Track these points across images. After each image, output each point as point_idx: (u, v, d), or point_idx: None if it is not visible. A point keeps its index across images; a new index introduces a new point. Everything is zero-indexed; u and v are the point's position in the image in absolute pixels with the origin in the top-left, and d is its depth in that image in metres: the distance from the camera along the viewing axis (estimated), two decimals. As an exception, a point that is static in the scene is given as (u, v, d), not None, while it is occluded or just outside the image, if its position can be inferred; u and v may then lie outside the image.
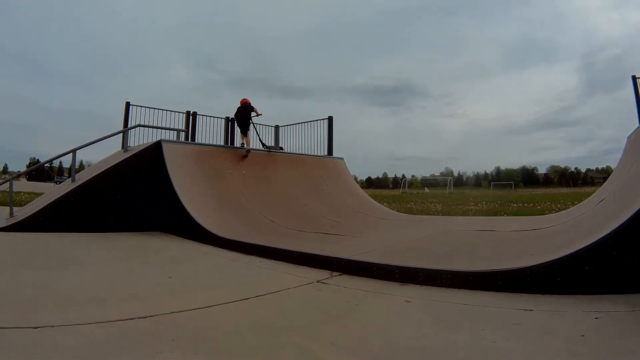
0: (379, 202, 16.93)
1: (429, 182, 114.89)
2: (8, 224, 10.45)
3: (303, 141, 17.12)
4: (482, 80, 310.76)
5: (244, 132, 14.80)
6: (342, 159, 17.29)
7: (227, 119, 16.77)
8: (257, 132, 15.19)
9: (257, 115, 14.83)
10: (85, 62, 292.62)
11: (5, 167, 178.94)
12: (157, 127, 13.81)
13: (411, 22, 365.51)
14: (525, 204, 21.85)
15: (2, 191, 21.34)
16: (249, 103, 15.00)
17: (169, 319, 3.97)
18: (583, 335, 3.34)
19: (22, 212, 11.59)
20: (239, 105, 15.04)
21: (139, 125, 13.47)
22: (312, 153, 16.84)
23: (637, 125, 10.68)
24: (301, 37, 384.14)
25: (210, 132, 16.16)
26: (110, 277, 5.89)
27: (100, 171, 11.44)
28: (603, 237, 4.43)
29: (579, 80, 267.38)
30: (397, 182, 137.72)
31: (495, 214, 16.82)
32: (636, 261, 4.34)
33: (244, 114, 14.78)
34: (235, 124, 15.66)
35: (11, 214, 11.47)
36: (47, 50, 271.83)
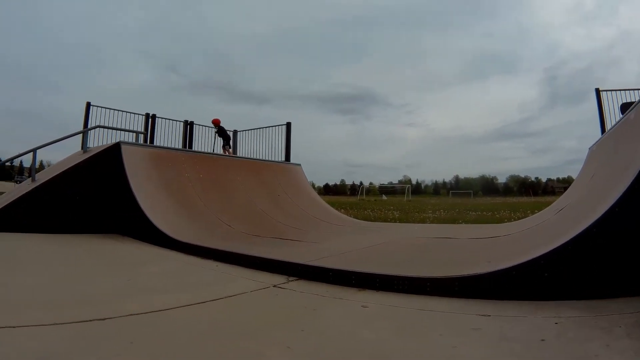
0: (337, 208, 17.10)
1: (387, 190, 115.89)
2: (-37, 223, 10.09)
3: (261, 147, 17.45)
4: (443, 90, 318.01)
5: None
6: (299, 165, 17.47)
7: (185, 122, 16.91)
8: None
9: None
10: (42, 61, 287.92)
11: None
12: (116, 129, 13.88)
13: (374, 31, 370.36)
14: (484, 212, 22.42)
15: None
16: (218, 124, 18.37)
17: (126, 322, 3.93)
18: (543, 340, 3.40)
19: None
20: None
21: (99, 126, 13.49)
22: (270, 159, 16.98)
23: (599, 136, 11.07)
24: (263, 43, 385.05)
25: (170, 136, 16.37)
26: (66, 279, 5.85)
27: (59, 171, 11.41)
28: (563, 244, 4.55)
29: (541, 92, 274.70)
30: (354, 189, 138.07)
31: (453, 221, 17.02)
32: (595, 268, 4.49)
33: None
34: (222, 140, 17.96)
35: None
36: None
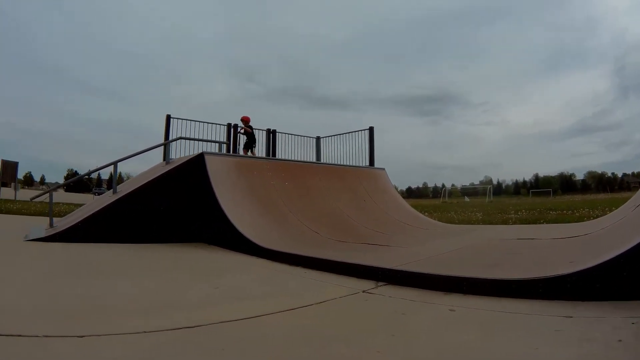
0: (420, 212, 16.81)
1: (469, 191, 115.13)
2: (48, 234, 10.54)
3: (344, 152, 17.19)
4: (518, 87, 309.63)
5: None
6: (383, 169, 17.20)
7: (268, 130, 16.92)
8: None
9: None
10: (121, 75, 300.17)
11: (43, 179, 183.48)
12: (199, 140, 14.14)
13: (446, 30, 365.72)
14: (564, 211, 21.69)
15: (40, 202, 21.82)
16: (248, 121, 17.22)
17: (216, 329, 3.95)
18: (620, 341, 3.33)
19: (62, 223, 11.83)
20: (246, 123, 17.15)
21: (181, 138, 13.73)
22: (354, 164, 16.82)
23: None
24: (340, 47, 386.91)
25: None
26: (155, 288, 5.93)
27: (142, 183, 11.64)
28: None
29: (612, 83, 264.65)
30: (437, 192, 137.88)
31: (535, 221, 16.70)
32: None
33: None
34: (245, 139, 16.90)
35: (51, 225, 11.63)
36: (82, 64, 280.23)
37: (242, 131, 16.64)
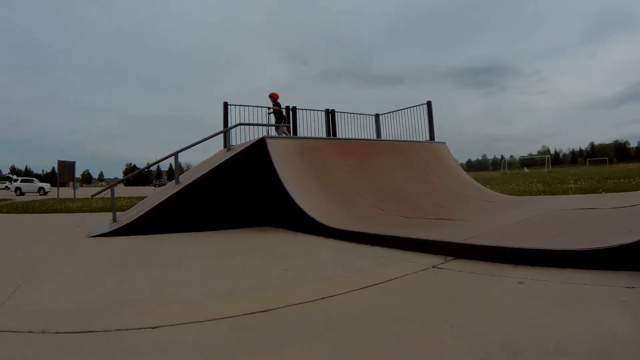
0: (481, 184, 16.64)
1: (527, 162, 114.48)
2: (112, 228, 10.85)
3: (403, 128, 17.01)
4: (567, 54, 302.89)
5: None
6: (444, 143, 17.02)
7: (327, 110, 16.81)
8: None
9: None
10: (174, 68, 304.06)
11: (101, 175, 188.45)
12: (259, 125, 14.29)
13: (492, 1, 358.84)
14: (621, 180, 21.82)
15: (101, 198, 22.27)
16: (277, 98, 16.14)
17: (289, 311, 4.06)
18: None
19: (126, 217, 12.35)
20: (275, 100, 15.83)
21: (241, 124, 13.86)
22: (414, 139, 16.66)
23: None
24: (391, 23, 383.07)
25: (312, 126, 16.34)
26: (224, 274, 6.06)
27: (205, 171, 11.79)
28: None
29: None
30: (496, 164, 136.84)
31: (593, 191, 16.74)
32: None
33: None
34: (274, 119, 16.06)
35: (114, 219, 12.02)
36: (131, 60, 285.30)
37: (271, 111, 15.72)
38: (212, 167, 11.76)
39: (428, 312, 3.85)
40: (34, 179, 65.45)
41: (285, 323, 3.73)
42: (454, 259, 5.87)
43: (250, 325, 3.69)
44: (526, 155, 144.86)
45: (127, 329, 3.64)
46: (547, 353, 2.80)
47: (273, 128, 14.79)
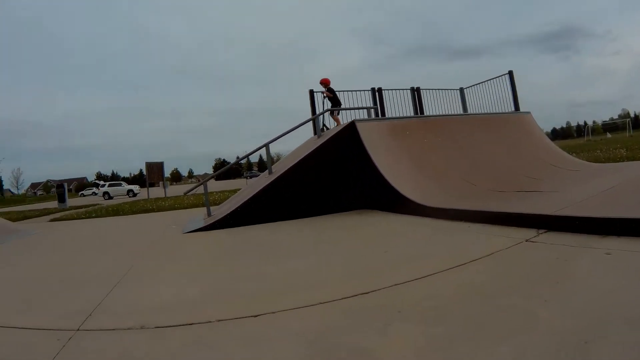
0: (568, 153, 16.32)
1: (609, 126, 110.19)
2: (207, 223, 11.26)
3: (487, 100, 16.77)
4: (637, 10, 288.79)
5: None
6: (529, 113, 16.58)
7: (412, 89, 16.74)
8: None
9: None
10: (254, 59, 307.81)
11: (191, 172, 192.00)
12: (347, 109, 14.49)
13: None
14: None
15: (193, 194, 22.72)
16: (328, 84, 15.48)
17: (391, 292, 4.24)
18: None
19: (220, 211, 12.73)
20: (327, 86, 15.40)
21: (329, 110, 14.33)
22: (499, 111, 16.47)
23: None
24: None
25: (399, 105, 16.23)
26: (326, 260, 6.30)
27: (297, 160, 11.97)
28: None
29: None
30: (580, 130, 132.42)
31: None
32: None
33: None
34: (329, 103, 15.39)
35: (209, 214, 12.60)
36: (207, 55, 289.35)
37: (325, 95, 15.28)
38: (304, 155, 11.92)
39: (524, 287, 3.94)
40: (121, 182, 67.46)
41: (387, 304, 3.90)
42: (546, 232, 5.97)
43: (353, 308, 3.88)
44: (607, 119, 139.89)
45: (227, 319, 3.91)
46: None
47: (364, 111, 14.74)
